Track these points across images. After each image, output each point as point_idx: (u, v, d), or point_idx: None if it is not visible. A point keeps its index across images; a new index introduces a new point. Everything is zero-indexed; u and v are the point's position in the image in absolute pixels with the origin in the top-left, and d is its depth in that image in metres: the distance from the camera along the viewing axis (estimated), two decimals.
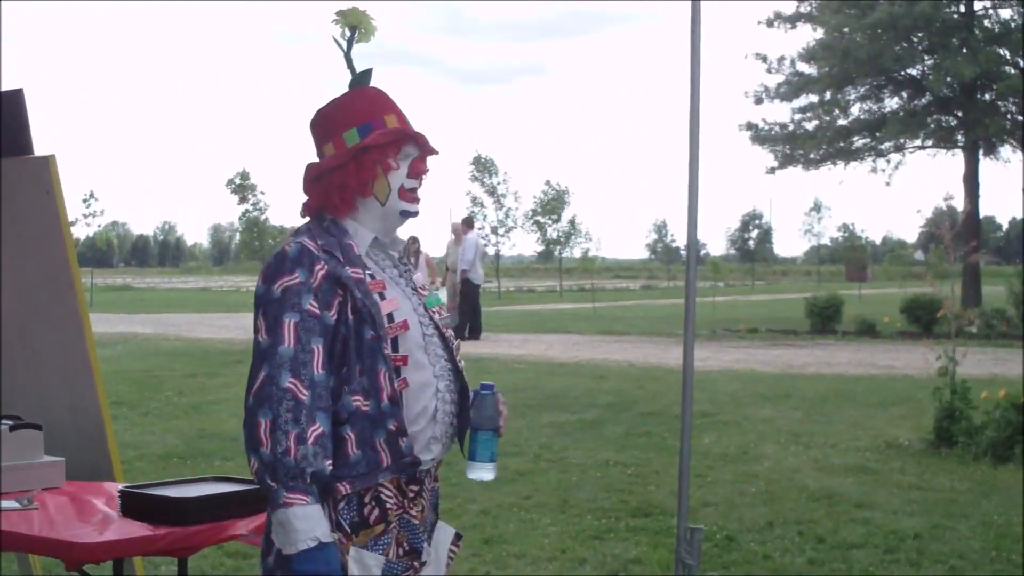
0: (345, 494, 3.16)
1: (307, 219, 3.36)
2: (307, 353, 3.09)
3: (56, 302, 5.99)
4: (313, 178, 3.33)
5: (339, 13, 3.40)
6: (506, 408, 3.41)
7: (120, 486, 4.81)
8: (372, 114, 3.32)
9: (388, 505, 3.21)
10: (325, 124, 3.36)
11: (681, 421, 4.59)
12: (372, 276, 3.24)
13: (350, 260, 3.21)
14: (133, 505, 4.46)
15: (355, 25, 3.41)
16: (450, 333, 3.41)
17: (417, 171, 3.36)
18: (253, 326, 3.18)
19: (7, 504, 4.59)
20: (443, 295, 26.85)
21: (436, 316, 3.39)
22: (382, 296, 3.21)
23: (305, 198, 3.38)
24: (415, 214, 3.37)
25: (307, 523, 3.02)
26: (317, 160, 3.36)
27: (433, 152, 3.41)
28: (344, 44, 3.42)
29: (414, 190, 3.36)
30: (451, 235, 26.74)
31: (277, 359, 3.07)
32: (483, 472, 3.35)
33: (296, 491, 3.01)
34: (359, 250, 3.26)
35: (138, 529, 4.28)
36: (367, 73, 3.42)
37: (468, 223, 27.26)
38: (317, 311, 3.12)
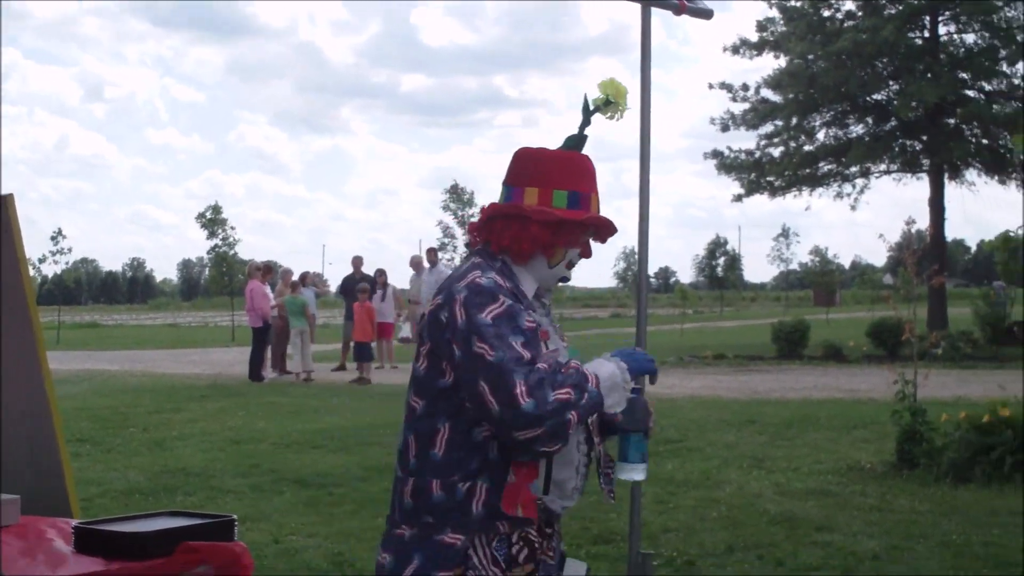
0: (502, 534, 3.28)
1: (477, 248, 3.50)
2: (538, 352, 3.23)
3: (13, 341, 5.99)
4: (507, 215, 3.43)
5: (609, 81, 3.56)
6: (653, 410, 3.52)
7: (74, 522, 4.82)
8: (583, 186, 3.45)
9: (535, 545, 3.34)
10: (535, 168, 3.45)
11: None
12: (539, 325, 3.35)
13: (527, 306, 3.34)
14: (87, 541, 4.47)
15: (611, 99, 3.55)
16: None
17: (586, 253, 3.56)
18: (460, 352, 3.20)
19: None
20: (406, 328, 26.86)
21: None
22: (546, 346, 3.33)
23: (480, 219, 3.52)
24: (568, 281, 3.57)
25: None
26: (504, 181, 3.49)
27: (604, 241, 3.61)
28: (592, 107, 3.55)
29: (574, 264, 3.54)
30: (411, 268, 26.85)
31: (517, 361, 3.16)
32: (634, 472, 3.43)
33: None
34: (529, 297, 3.41)
35: (92, 565, 4.28)
36: (584, 139, 3.55)
37: (434, 254, 27.25)
38: (533, 323, 3.30)
